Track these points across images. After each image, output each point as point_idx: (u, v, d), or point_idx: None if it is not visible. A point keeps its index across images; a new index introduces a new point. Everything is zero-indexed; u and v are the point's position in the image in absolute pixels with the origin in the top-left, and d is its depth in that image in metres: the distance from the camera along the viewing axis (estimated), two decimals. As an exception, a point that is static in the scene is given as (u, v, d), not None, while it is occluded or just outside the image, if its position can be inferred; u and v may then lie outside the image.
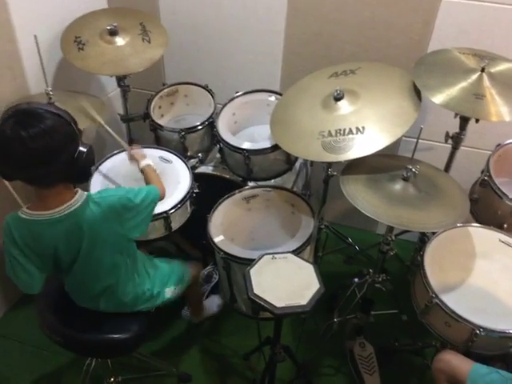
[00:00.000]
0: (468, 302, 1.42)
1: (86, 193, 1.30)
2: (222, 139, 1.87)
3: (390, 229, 1.63)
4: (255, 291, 1.38)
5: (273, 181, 1.98)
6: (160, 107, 2.13)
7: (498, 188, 1.60)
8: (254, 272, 1.43)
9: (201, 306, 2.04)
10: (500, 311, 1.41)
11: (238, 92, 2.02)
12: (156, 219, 1.63)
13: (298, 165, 2.16)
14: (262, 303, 1.36)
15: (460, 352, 1.49)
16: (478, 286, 1.48)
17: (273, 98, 1.98)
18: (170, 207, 1.67)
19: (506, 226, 1.62)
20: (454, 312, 1.39)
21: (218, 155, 2.02)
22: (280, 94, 1.96)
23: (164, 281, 1.62)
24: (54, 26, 1.94)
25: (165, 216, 1.66)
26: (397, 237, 2.01)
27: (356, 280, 1.88)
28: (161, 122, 2.05)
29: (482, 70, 1.55)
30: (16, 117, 1.13)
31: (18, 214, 1.26)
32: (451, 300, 1.42)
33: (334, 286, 2.10)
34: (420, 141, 2.11)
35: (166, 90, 2.13)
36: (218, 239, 1.67)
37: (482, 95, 1.51)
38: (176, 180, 1.76)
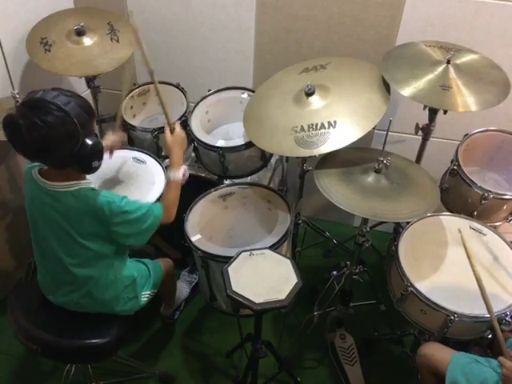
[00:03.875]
0: (442, 289, 1.46)
1: (90, 185, 1.35)
2: (196, 138, 1.86)
3: (365, 221, 1.65)
4: (234, 288, 1.38)
5: (249, 178, 1.99)
6: (132, 107, 2.11)
7: (467, 176, 1.64)
8: (232, 269, 1.44)
9: (174, 297, 2.04)
10: (473, 297, 1.43)
11: (210, 90, 2.01)
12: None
13: (273, 161, 2.18)
14: (240, 300, 1.36)
15: (436, 339, 1.53)
16: (451, 272, 1.51)
17: (245, 95, 1.98)
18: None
19: (476, 213, 1.67)
20: (428, 299, 1.43)
21: (193, 154, 2.01)
22: (252, 91, 1.97)
23: (142, 284, 1.61)
24: (18, 28, 1.89)
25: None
26: (372, 228, 2.05)
27: (334, 273, 1.90)
28: (133, 122, 2.03)
29: (448, 62, 1.59)
30: (26, 103, 1.21)
31: (32, 169, 1.37)
32: (425, 288, 1.45)
33: (313, 280, 2.13)
34: (392, 133, 2.16)
35: (137, 90, 2.11)
36: (195, 238, 1.66)
37: (449, 86, 1.54)
38: (151, 180, 1.74)
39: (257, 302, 1.34)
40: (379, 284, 1.80)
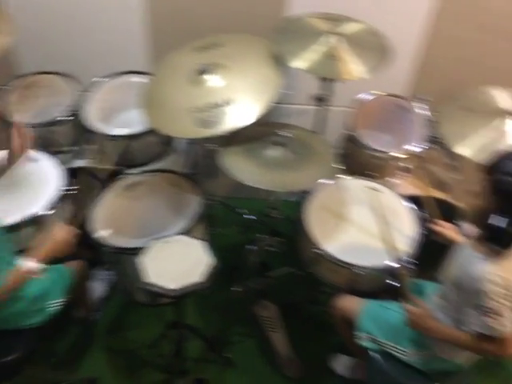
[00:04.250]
0: (347, 247, 1.57)
1: None
2: (93, 129, 1.76)
3: (273, 193, 1.70)
4: (148, 279, 1.37)
5: (157, 164, 1.94)
6: (18, 102, 1.92)
7: (360, 140, 1.75)
8: (146, 260, 1.42)
9: (89, 299, 1.96)
10: (374, 250, 1.57)
11: (103, 77, 1.90)
12: (28, 225, 1.50)
13: (182, 144, 2.14)
14: (156, 289, 1.35)
15: (347, 293, 1.65)
16: (353, 230, 1.63)
17: (141, 78, 1.91)
18: (42, 210, 1.54)
19: (371, 173, 1.79)
20: (335, 258, 1.53)
21: (93, 146, 1.91)
22: (149, 74, 1.90)
23: (53, 293, 1.50)
24: None
25: (37, 220, 1.53)
26: (284, 199, 2.12)
27: (251, 247, 1.95)
28: (22, 117, 1.85)
29: (335, 33, 1.65)
30: None
31: None
32: (332, 248, 1.55)
33: (232, 257, 2.15)
34: (293, 106, 2.23)
35: (22, 83, 1.93)
36: (102, 234, 1.60)
37: (338, 56, 1.61)
38: (45, 179, 1.62)
39: (173, 288, 1.34)
40: (294, 251, 1.87)
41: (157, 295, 1.38)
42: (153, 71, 1.81)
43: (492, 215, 1.09)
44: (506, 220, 1.06)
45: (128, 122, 1.90)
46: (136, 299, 1.75)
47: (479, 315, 1.16)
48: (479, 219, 1.14)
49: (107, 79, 1.91)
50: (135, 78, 1.92)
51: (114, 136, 1.73)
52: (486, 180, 1.11)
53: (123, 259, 1.60)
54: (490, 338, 1.17)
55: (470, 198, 1.15)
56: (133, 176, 1.79)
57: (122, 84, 1.92)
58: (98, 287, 2.03)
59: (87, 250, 2.11)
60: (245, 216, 2.27)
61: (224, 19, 1.99)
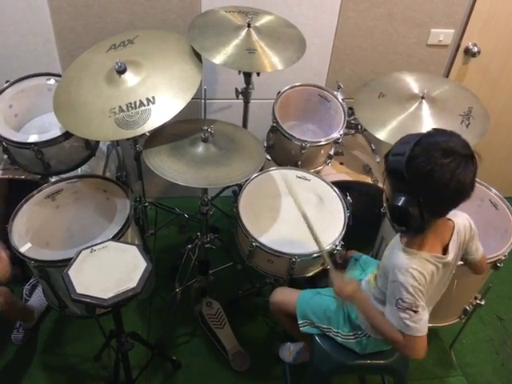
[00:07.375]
0: (281, 237, 1.59)
1: None
2: (2, 137, 1.63)
3: (205, 190, 1.69)
4: (78, 291, 1.30)
5: (80, 170, 1.85)
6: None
7: (286, 131, 1.78)
8: (73, 271, 1.35)
9: (27, 311, 1.87)
10: (307, 237, 1.59)
11: (8, 81, 1.77)
12: None
13: (104, 147, 2.06)
14: (88, 301, 1.29)
15: (286, 282, 1.68)
16: (286, 220, 1.65)
17: (52, 81, 1.80)
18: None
19: (300, 163, 1.84)
20: (271, 249, 1.55)
21: (5, 156, 1.77)
22: (59, 76, 1.79)
23: None
24: None
25: None
26: (218, 195, 2.12)
27: (189, 246, 1.92)
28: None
29: (249, 26, 1.66)
30: None
31: None
32: (267, 239, 1.56)
33: (172, 258, 2.12)
34: (217, 100, 2.22)
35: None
36: (24, 248, 1.50)
37: (254, 49, 1.62)
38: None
39: (106, 297, 1.29)
40: (232, 245, 1.88)
41: (89, 307, 1.32)
42: (65, 72, 1.70)
43: (390, 197, 1.11)
44: (401, 198, 1.06)
45: (46, 127, 1.79)
46: (69, 313, 1.66)
47: (395, 307, 1.15)
48: (385, 202, 1.17)
49: (14, 83, 1.77)
50: (47, 81, 1.80)
51: (27, 143, 1.61)
52: (384, 164, 1.13)
53: (50, 273, 1.51)
54: (402, 333, 1.16)
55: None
56: (52, 184, 1.69)
57: (34, 87, 1.79)
58: (33, 303, 1.92)
59: (14, 266, 1.98)
60: (184, 215, 2.23)
61: (138, 15, 1.93)
